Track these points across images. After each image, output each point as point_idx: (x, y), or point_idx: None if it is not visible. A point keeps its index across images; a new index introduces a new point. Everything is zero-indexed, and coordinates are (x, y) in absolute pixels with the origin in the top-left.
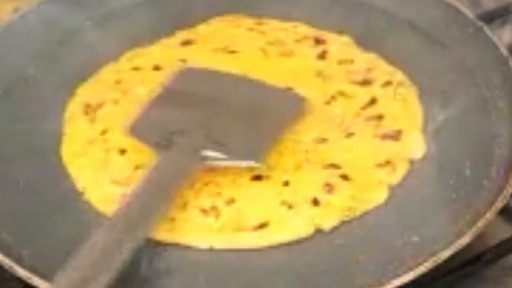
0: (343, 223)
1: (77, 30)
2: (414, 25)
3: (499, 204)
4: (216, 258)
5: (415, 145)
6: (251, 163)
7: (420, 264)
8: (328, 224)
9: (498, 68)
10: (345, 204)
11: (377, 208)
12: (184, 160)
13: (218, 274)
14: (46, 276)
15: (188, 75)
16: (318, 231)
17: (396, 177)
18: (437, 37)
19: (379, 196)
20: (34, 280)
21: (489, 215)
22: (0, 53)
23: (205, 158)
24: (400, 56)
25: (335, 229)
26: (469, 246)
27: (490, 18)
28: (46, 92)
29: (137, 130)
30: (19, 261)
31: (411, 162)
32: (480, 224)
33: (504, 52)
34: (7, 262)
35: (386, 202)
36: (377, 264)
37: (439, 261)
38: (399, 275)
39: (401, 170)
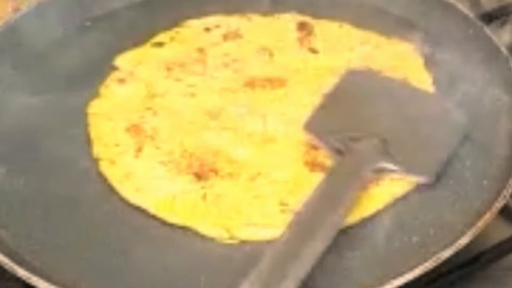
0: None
1: (77, 30)
2: (413, 25)
3: (499, 204)
4: None
5: None
6: (423, 179)
7: (420, 264)
8: None
9: (498, 68)
10: None
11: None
12: (360, 169)
13: None
14: (46, 276)
15: (357, 77)
16: None
17: None
18: (436, 37)
19: None
20: (34, 280)
21: (489, 215)
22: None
23: (379, 168)
24: None
25: None
26: (469, 246)
27: (490, 18)
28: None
29: (314, 128)
30: (19, 261)
31: None
32: (480, 224)
33: (504, 52)
34: (7, 262)
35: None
36: (378, 264)
37: (439, 261)
38: (399, 275)
39: None
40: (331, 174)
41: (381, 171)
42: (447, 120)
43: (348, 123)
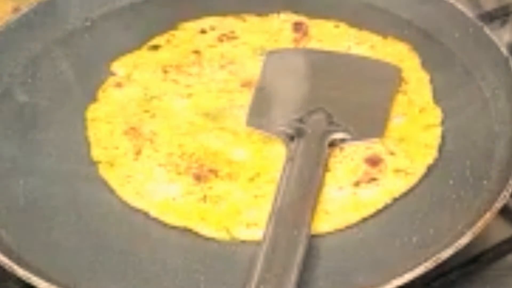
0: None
1: (77, 30)
2: (414, 25)
3: (499, 204)
4: None
5: None
6: (374, 140)
7: (420, 264)
8: None
9: (498, 68)
10: None
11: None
12: (317, 148)
13: None
14: (46, 276)
15: (278, 57)
16: None
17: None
18: (436, 37)
19: None
20: (34, 280)
21: (489, 215)
22: None
23: (333, 141)
24: None
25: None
26: (469, 246)
27: (490, 18)
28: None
29: (258, 121)
30: (19, 261)
31: None
32: (480, 224)
33: (504, 52)
34: (7, 262)
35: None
36: (377, 264)
37: (439, 261)
38: (399, 275)
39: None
40: (293, 160)
41: (334, 144)
42: (379, 76)
43: (287, 106)
